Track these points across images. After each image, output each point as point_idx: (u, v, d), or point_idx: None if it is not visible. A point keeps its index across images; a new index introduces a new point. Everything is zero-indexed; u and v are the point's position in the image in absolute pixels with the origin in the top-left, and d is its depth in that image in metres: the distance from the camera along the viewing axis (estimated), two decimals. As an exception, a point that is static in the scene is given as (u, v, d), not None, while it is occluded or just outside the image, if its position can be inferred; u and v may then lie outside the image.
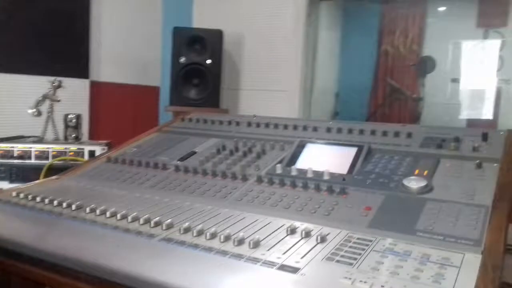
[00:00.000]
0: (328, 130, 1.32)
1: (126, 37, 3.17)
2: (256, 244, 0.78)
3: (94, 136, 2.83)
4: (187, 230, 0.84)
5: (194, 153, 1.28)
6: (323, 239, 0.80)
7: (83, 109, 2.72)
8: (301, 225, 0.87)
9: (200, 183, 1.10)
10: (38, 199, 1.04)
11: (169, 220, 0.88)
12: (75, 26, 2.64)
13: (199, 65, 3.02)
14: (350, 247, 0.77)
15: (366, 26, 5.01)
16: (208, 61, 3.02)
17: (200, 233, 0.83)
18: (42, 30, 2.33)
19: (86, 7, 2.75)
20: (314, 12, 3.54)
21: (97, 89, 2.99)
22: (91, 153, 1.50)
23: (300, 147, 1.21)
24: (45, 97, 1.66)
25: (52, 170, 1.40)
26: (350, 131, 1.29)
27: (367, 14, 4.94)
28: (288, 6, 3.26)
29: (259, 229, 0.85)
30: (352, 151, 1.14)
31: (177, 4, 3.59)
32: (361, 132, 1.27)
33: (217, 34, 3.09)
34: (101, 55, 3.01)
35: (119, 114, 3.23)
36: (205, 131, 1.44)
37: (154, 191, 1.09)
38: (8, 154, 1.47)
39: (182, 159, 1.26)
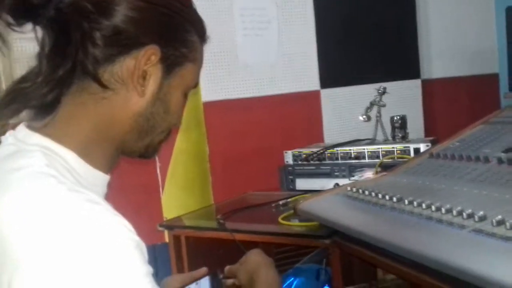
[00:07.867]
0: None
1: (455, 30, 3.10)
2: None
3: (430, 133, 2.89)
4: (499, 223, 0.83)
5: (521, 143, 1.20)
6: None
7: (415, 109, 2.82)
8: None
9: (525, 176, 1.04)
10: (366, 192, 1.21)
11: (482, 212, 0.88)
12: (401, 33, 2.78)
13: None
14: None
15: None
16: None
17: (513, 226, 0.81)
18: (370, 43, 2.58)
19: (412, 12, 2.86)
20: None
21: (429, 86, 3.04)
22: (416, 151, 1.58)
23: None
24: (372, 104, 1.87)
25: (383, 168, 1.57)
26: None
27: None
28: None
29: None
30: None
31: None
32: None
33: None
34: (431, 53, 3.05)
35: (456, 108, 3.17)
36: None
37: (473, 184, 1.09)
38: (346, 156, 1.75)
39: (507, 150, 1.19)
